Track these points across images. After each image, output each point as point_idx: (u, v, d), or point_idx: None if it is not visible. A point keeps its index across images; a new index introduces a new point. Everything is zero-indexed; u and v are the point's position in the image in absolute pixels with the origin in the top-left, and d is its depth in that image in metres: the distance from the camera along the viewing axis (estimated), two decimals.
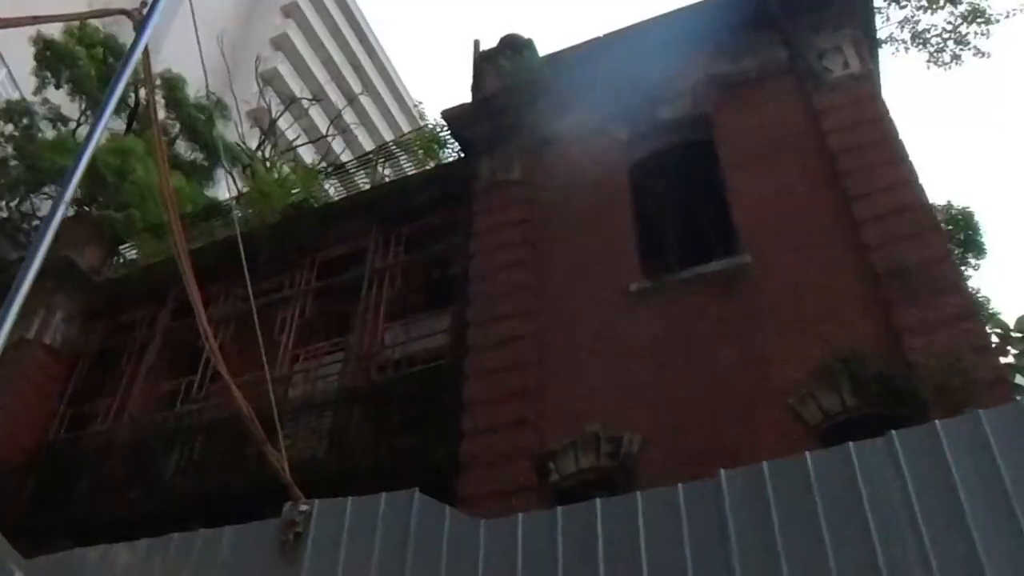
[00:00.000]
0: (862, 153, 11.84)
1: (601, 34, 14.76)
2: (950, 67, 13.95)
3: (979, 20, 13.59)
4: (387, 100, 39.65)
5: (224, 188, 26.74)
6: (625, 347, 11.58)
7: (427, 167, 16.28)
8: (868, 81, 12.54)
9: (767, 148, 12.56)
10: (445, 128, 15.85)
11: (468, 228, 14.75)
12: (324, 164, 24.42)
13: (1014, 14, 13.48)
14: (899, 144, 11.83)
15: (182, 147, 24.10)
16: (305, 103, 28.57)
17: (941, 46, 13.84)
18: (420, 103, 16.08)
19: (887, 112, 12.18)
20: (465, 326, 13.34)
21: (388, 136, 38.52)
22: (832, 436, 10.34)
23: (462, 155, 15.69)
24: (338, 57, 39.46)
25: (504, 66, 14.48)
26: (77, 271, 17.17)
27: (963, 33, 13.70)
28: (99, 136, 7.25)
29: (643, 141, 13.68)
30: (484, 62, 15.35)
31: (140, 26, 7.82)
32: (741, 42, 13.51)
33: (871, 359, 10.38)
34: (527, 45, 15.11)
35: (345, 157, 30.70)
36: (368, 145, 35.46)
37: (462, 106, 15.00)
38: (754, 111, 13.01)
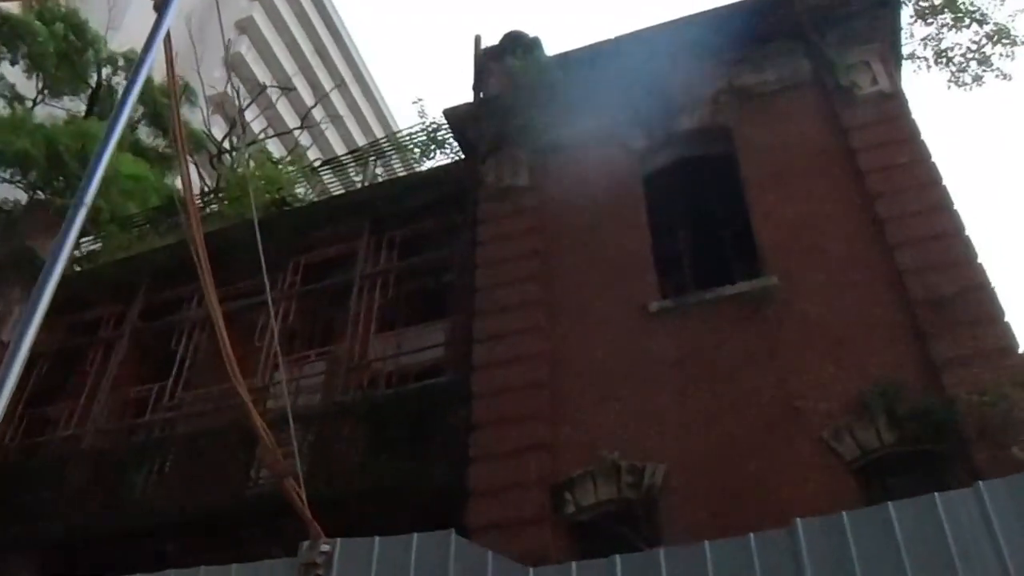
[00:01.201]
0: (894, 174, 11.46)
1: (612, 36, 14.19)
2: (971, 88, 13.68)
3: (1005, 41, 13.32)
4: (356, 96, 38.63)
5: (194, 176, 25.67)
6: (644, 370, 11.03)
7: (421, 167, 15.51)
8: (898, 99, 12.17)
9: (792, 164, 12.12)
10: (442, 128, 15.19)
11: (467, 234, 14.10)
12: (311, 160, 23.46)
13: None
14: (933, 166, 11.46)
15: (144, 133, 22.96)
16: (274, 94, 27.49)
17: (964, 66, 13.53)
18: (420, 100, 15.13)
19: (919, 133, 11.80)
20: (467, 340, 12.72)
21: (357, 133, 37.63)
22: (870, 473, 10.01)
23: (460, 157, 15.05)
24: (306, 46, 38.19)
25: (513, 64, 13.83)
26: (38, 263, 16.02)
27: (987, 54, 13.41)
28: (119, 133, 6.47)
29: (659, 151, 13.17)
30: (488, 60, 14.70)
31: (160, 9, 7.03)
32: (763, 52, 13.07)
33: (908, 392, 9.97)
34: (534, 44, 14.50)
35: (312, 153, 29.73)
36: (336, 141, 34.47)
37: (465, 105, 14.32)
38: (777, 125, 12.56)
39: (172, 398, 14.04)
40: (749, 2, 13.85)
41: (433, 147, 15.21)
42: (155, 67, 22.95)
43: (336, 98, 34.09)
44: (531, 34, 14.80)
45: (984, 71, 13.54)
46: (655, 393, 10.81)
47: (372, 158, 15.76)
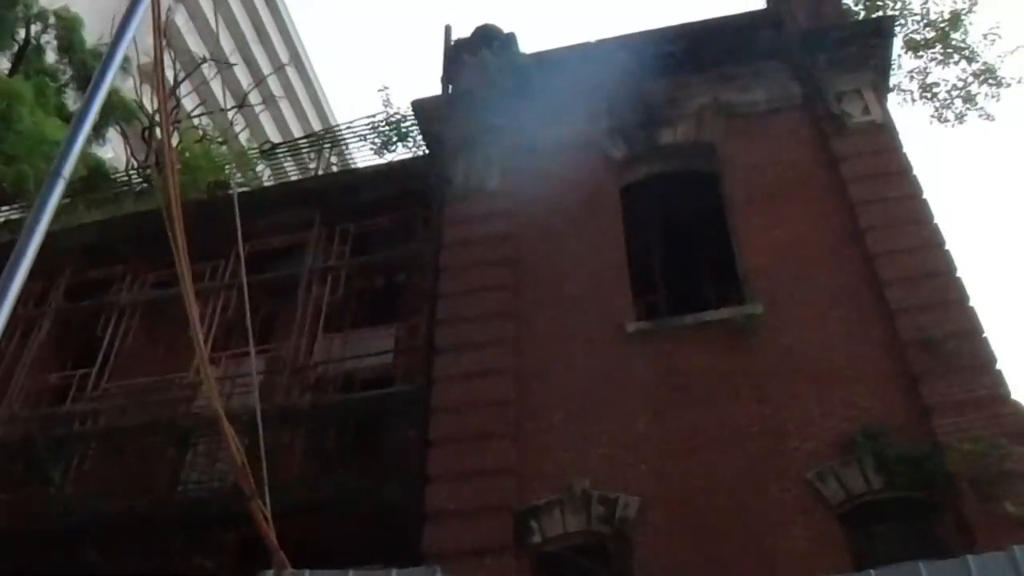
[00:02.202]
0: (885, 208, 11.01)
1: (594, 39, 13.49)
2: (953, 125, 13.45)
3: (991, 81, 13.08)
4: (293, 79, 37.09)
5: (115, 150, 24.09)
6: (619, 393, 10.31)
7: (382, 160, 14.51)
8: (890, 131, 11.74)
9: (778, 189, 11.57)
10: (406, 119, 14.27)
11: (426, 234, 13.23)
12: (243, 142, 22.15)
13: None
14: (924, 203, 11.05)
15: (71, 97, 21.38)
16: (210, 70, 25.93)
17: (949, 102, 13.27)
18: (386, 88, 14.16)
19: (911, 167, 11.39)
20: (420, 348, 11.87)
21: (291, 118, 36.15)
22: (855, 518, 9.49)
23: (422, 151, 14.18)
24: (244, 23, 36.45)
25: (488, 60, 13.01)
26: None
27: (972, 92, 13.17)
28: (101, 100, 5.50)
29: (638, 163, 12.51)
30: (459, 53, 13.84)
31: None
32: (752, 71, 12.53)
33: (897, 435, 9.50)
34: (509, 39, 13.70)
35: (244, 136, 28.30)
36: (268, 124, 32.97)
37: (434, 98, 13.38)
38: (763, 146, 12.01)
39: (96, 388, 12.77)
40: (738, 18, 13.34)
41: (396, 139, 14.28)
42: (89, 28, 21.47)
43: (271, 80, 32.63)
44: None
45: (968, 109, 13.27)
46: (630, 419, 10.10)
47: (327, 145, 14.71)
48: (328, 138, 14.85)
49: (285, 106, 35.70)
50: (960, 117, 13.38)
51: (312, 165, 15.12)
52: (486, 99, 12.89)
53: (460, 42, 13.94)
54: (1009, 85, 13.13)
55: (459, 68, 13.69)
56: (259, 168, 15.93)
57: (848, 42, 12.31)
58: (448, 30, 14.24)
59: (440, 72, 13.92)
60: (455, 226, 12.03)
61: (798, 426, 9.78)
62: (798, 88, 12.31)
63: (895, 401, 9.80)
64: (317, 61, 41.43)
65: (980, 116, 13.34)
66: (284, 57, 34.26)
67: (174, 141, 22.42)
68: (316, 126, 36.01)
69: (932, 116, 13.42)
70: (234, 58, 29.39)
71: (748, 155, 11.97)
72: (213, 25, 29.57)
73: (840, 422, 9.71)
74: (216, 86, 27.71)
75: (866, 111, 11.87)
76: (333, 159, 15.08)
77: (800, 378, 10.07)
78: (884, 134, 11.70)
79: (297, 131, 33.69)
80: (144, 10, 5.93)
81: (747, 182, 11.75)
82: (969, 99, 13.23)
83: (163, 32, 6.08)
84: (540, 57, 13.25)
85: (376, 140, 14.38)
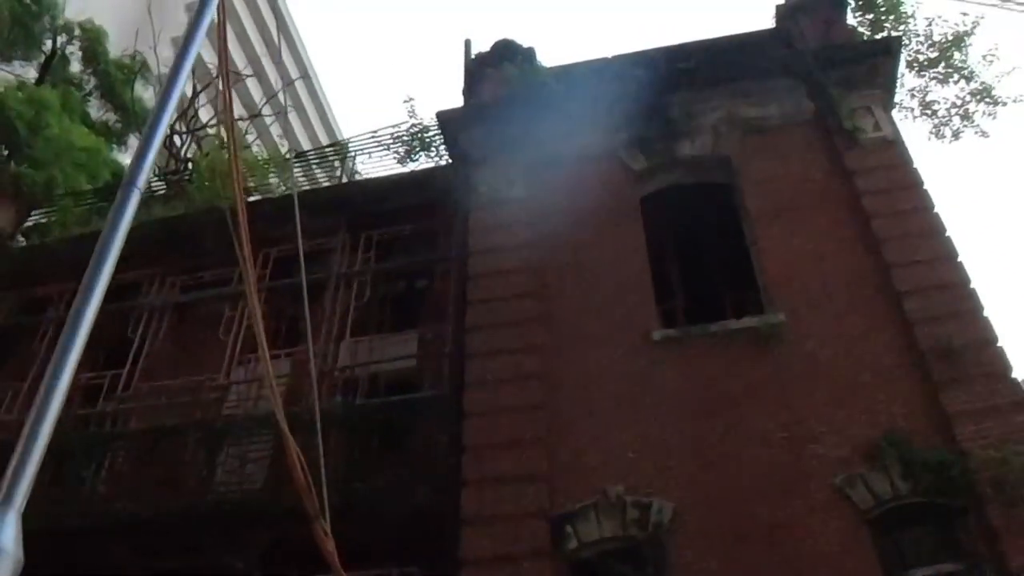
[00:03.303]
0: (899, 221, 10.45)
1: (611, 55, 12.85)
2: (950, 141, 12.91)
3: (987, 100, 12.56)
4: (302, 94, 36.16)
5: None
6: (647, 399, 9.68)
7: (405, 169, 13.76)
8: (900, 147, 11.18)
9: (794, 201, 10.98)
10: (429, 129, 13.56)
11: (448, 241, 12.55)
12: (255, 153, 21.26)
13: (1022, 99, 12.53)
14: (937, 216, 10.49)
15: (95, 106, 20.49)
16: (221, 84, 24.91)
17: (947, 119, 12.73)
18: (411, 99, 13.44)
19: (922, 181, 10.85)
20: (443, 352, 11.22)
21: (300, 131, 35.19)
22: (884, 523, 8.88)
23: (442, 161, 13.48)
24: (255, 39, 35.55)
25: (511, 73, 12.32)
26: None
27: (970, 111, 12.64)
28: (171, 109, 4.78)
29: (656, 174, 11.86)
30: (480, 66, 13.14)
31: None
32: (765, 87, 11.92)
33: (920, 441, 8.95)
34: (529, 53, 13.03)
35: (255, 147, 27.39)
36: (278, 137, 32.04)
37: (458, 109, 12.68)
38: (778, 159, 11.42)
39: (127, 388, 11.97)
40: (749, 36, 12.76)
41: (419, 149, 13.56)
42: (114, 40, 20.59)
43: (281, 94, 31.70)
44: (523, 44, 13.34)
45: (965, 126, 12.74)
46: (660, 425, 9.47)
47: (351, 154, 13.97)
48: (351, 148, 14.06)
49: (293, 118, 34.78)
50: (957, 134, 12.83)
51: (318, 174, 14.37)
52: (509, 111, 12.20)
53: (481, 56, 13.25)
54: (1005, 104, 12.63)
55: (480, 81, 13.00)
56: (284, 176, 15.15)
57: (858, 61, 11.75)
58: (468, 45, 13.55)
59: (445, 84, 13.41)
60: (481, 234, 11.35)
61: (824, 433, 9.20)
62: (810, 104, 11.73)
63: (916, 409, 9.24)
64: (323, 76, 40.34)
65: (976, 133, 12.81)
66: (294, 72, 33.33)
67: (195, 148, 21.64)
68: (323, 138, 35.16)
69: (931, 132, 12.87)
70: (246, 72, 28.43)
71: (764, 168, 11.37)
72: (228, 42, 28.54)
73: (864, 429, 9.14)
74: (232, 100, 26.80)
75: (877, 127, 11.31)
76: (358, 169, 14.32)
77: (823, 386, 9.49)
78: (895, 149, 11.15)
79: (305, 143, 32.83)
80: (209, 17, 5.18)
81: (764, 194, 11.16)
82: (966, 116, 12.69)
83: (224, 42, 5.34)
84: (560, 71, 12.56)
85: (399, 150, 13.62)
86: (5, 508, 3.13)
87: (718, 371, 9.79)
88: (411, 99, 13.72)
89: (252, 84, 30.47)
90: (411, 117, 13.60)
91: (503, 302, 10.61)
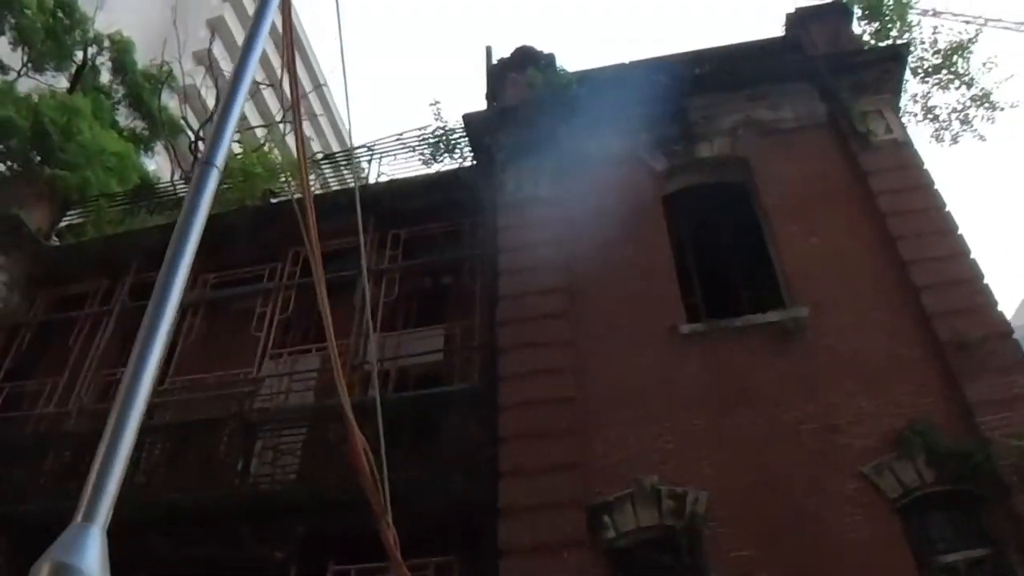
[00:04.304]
0: (913, 219, 10.02)
1: (628, 60, 12.38)
2: (949, 145, 12.50)
3: (986, 105, 12.15)
4: (314, 103, 35.39)
5: (157, 163, 22.53)
6: (677, 392, 9.19)
7: (430, 170, 13.18)
8: (911, 149, 10.76)
9: (812, 200, 10.54)
10: (455, 131, 13.01)
11: (473, 239, 12.03)
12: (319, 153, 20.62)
13: (1018, 105, 12.14)
14: (948, 215, 10.07)
15: (123, 114, 19.84)
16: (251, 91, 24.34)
17: (948, 124, 12.31)
18: (438, 102, 12.91)
19: (933, 182, 10.42)
20: (471, 347, 10.71)
21: (314, 140, 34.49)
22: (911, 511, 8.41)
23: (465, 162, 12.95)
24: (271, 52, 34.84)
25: (535, 77, 11.81)
26: (25, 233, 13.00)
27: (970, 116, 12.22)
28: (243, 97, 4.21)
29: (676, 174, 11.39)
30: (503, 71, 12.63)
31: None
32: (780, 91, 11.47)
33: (943, 431, 8.51)
34: (549, 59, 12.53)
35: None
36: (291, 143, 31.34)
37: (483, 112, 12.17)
38: (795, 161, 10.97)
39: (163, 383, 11.37)
40: (765, 43, 12.33)
41: (444, 151, 13.01)
42: (140, 51, 19.94)
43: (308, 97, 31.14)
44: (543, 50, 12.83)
45: (964, 130, 12.32)
46: (690, 416, 8.99)
47: (377, 156, 13.41)
48: (377, 149, 13.49)
49: (306, 126, 34.08)
50: (956, 138, 12.40)
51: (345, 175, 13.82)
52: (533, 113, 11.69)
53: (503, 61, 12.73)
54: (1003, 109, 12.23)
55: (503, 85, 12.49)
56: (313, 177, 14.57)
57: (868, 66, 11.35)
58: (489, 51, 13.04)
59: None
60: (510, 232, 10.84)
61: (849, 423, 8.74)
62: (823, 107, 11.30)
63: (938, 399, 8.81)
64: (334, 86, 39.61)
65: (974, 137, 12.39)
66: (306, 82, 32.68)
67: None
68: (334, 145, 34.51)
69: (932, 136, 12.45)
70: (262, 83, 27.80)
71: (781, 168, 10.93)
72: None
73: (889, 419, 8.69)
74: (250, 109, 26.24)
75: (888, 130, 10.89)
76: (385, 169, 13.77)
77: (847, 377, 9.03)
78: (906, 151, 10.73)
79: (317, 148, 32.16)
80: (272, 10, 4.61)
81: (782, 193, 10.71)
82: (966, 121, 12.26)
83: (291, 48, 4.77)
84: (581, 76, 12.06)
85: (424, 151, 13.07)
86: (87, 525, 2.57)
87: (744, 364, 9.32)
88: (437, 102, 13.16)
89: (268, 93, 29.77)
90: (436, 120, 13.07)
91: (533, 297, 10.11)
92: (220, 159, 3.96)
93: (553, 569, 8.08)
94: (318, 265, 5.16)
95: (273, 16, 4.81)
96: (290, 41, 5.55)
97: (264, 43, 4.85)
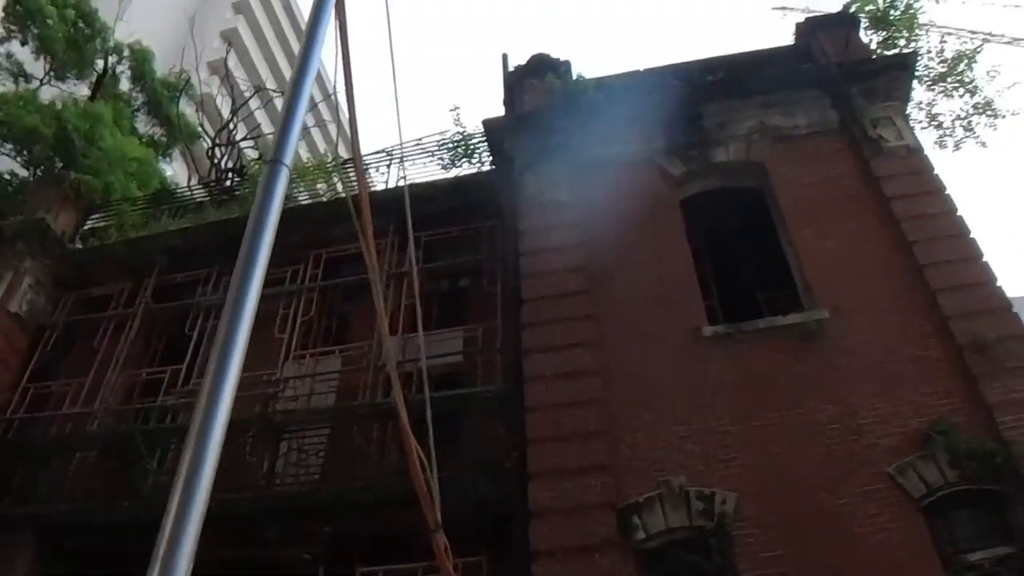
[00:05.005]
0: (927, 223, 9.68)
1: (643, 68, 11.99)
2: (951, 151, 12.20)
3: (988, 113, 11.84)
4: (323, 111, 34.82)
5: (177, 167, 22.04)
6: (701, 393, 8.82)
7: (446, 174, 12.75)
8: (922, 154, 10.42)
9: (826, 205, 10.18)
10: (474, 136, 12.61)
11: (491, 242, 11.62)
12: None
13: (1018, 112, 11.87)
14: (960, 219, 9.73)
15: (141, 121, 19.33)
16: (255, 101, 23.85)
17: (951, 131, 11.99)
18: (457, 108, 12.52)
19: (945, 187, 10.08)
20: (493, 348, 10.31)
21: (323, 146, 33.96)
22: (935, 510, 8.08)
23: (483, 167, 12.55)
24: (283, 62, 34.54)
25: (553, 83, 11.43)
26: (51, 236, 12.52)
27: (973, 123, 11.91)
28: (303, 114, 3.83)
29: (693, 179, 11.00)
30: (520, 78, 12.23)
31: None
32: (793, 98, 11.10)
33: (964, 431, 8.17)
34: (566, 66, 12.15)
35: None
36: (303, 151, 30.91)
37: (503, 118, 11.78)
38: (809, 166, 10.61)
39: (187, 383, 10.91)
40: (775, 52, 11.98)
41: (463, 155, 12.60)
42: (159, 60, 19.43)
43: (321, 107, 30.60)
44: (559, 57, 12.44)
45: (967, 137, 12.01)
46: (715, 418, 8.62)
47: (398, 160, 12.98)
48: (397, 154, 13.04)
49: (316, 134, 33.57)
50: (958, 144, 12.09)
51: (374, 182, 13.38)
52: (552, 119, 11.29)
53: (520, 68, 12.34)
54: (1004, 117, 11.94)
55: (520, 91, 12.08)
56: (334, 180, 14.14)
57: (878, 74, 10.99)
58: (505, 58, 12.66)
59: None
60: (532, 235, 10.43)
61: (872, 423, 8.40)
62: (835, 114, 10.95)
63: (957, 400, 8.47)
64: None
65: (976, 143, 12.09)
66: (317, 93, 32.14)
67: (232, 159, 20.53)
68: (343, 152, 33.94)
69: (935, 143, 12.11)
70: (274, 93, 27.32)
71: (796, 174, 10.57)
72: (257, 65, 27.64)
73: (910, 420, 8.36)
74: (262, 118, 25.75)
75: (899, 136, 10.54)
76: (403, 174, 13.27)
77: (868, 379, 8.69)
78: (918, 156, 10.39)
79: (327, 155, 31.65)
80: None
81: (797, 198, 10.35)
82: (969, 128, 11.94)
83: (346, 37, 4.37)
84: (598, 82, 11.67)
85: (443, 156, 12.65)
86: None
87: (767, 365, 8.96)
88: (456, 108, 12.76)
89: (280, 103, 29.32)
90: (456, 125, 12.63)
91: (556, 300, 9.71)
92: (288, 157, 3.58)
93: (585, 571, 7.70)
94: (372, 258, 4.77)
95: (329, 21, 4.41)
96: (346, 51, 5.12)
97: (314, 49, 4.41)
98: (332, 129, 31.66)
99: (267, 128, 26.49)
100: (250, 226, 3.11)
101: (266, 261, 3.10)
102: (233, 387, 2.66)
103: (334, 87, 3.99)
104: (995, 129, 11.85)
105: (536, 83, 11.75)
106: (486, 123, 11.59)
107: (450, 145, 12.33)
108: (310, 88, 3.81)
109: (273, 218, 3.17)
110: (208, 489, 2.43)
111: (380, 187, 13.65)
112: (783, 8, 23.45)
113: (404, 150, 12.62)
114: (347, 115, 4.53)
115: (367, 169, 13.27)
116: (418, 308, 6.78)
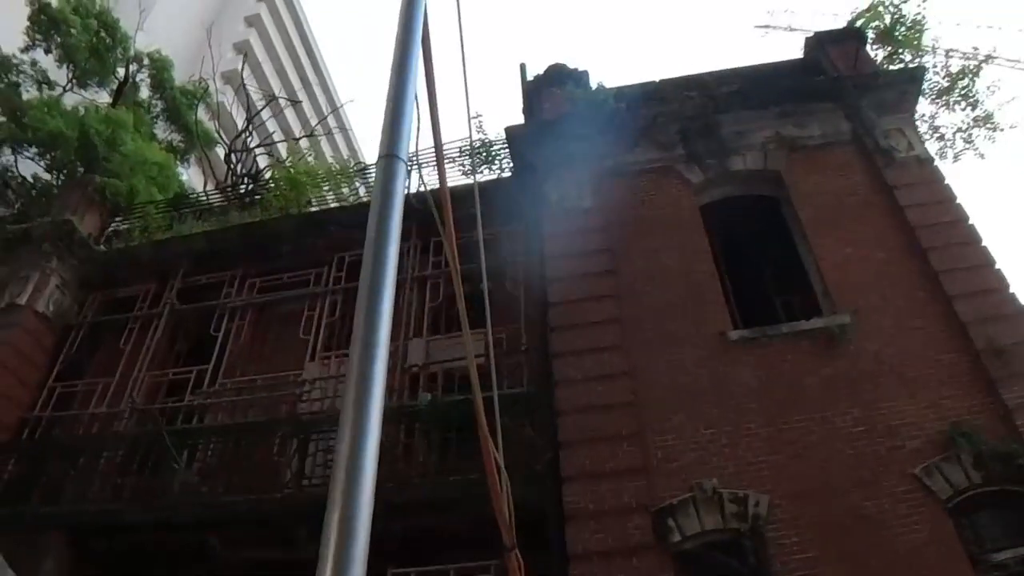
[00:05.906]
0: (942, 231, 9.34)
1: (659, 78, 11.57)
2: (951, 162, 11.87)
3: (988, 126, 11.52)
4: (331, 122, 34.10)
5: (193, 173, 21.36)
6: (730, 396, 8.40)
7: (467, 180, 12.22)
8: (933, 165, 10.09)
9: (843, 212, 9.82)
10: (495, 143, 12.11)
11: (510, 246, 11.11)
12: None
13: (1017, 125, 11.57)
14: (973, 227, 9.40)
15: (160, 128, 18.66)
16: (264, 113, 23.20)
17: (952, 142, 11.67)
18: (479, 115, 12.02)
19: (956, 196, 9.74)
20: (541, 353, 9.79)
21: (329, 155, 33.33)
22: (961, 511, 7.70)
23: (503, 173, 12.07)
24: (292, 74, 33.69)
25: (574, 92, 10.97)
26: (77, 237, 11.89)
27: (973, 135, 11.58)
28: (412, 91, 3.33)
29: (711, 186, 10.60)
30: (539, 87, 11.76)
31: None
32: (806, 109, 10.73)
33: (985, 433, 7.81)
34: (583, 75, 11.69)
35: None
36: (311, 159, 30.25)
37: (524, 125, 11.31)
38: (824, 175, 10.24)
39: (212, 384, 10.32)
40: (786, 65, 11.60)
41: (483, 162, 12.11)
42: (178, 68, 18.74)
43: (314, 119, 29.92)
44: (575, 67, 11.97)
45: (966, 149, 11.68)
46: (744, 420, 8.20)
47: (420, 166, 12.42)
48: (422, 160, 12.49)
49: (325, 145, 32.90)
50: (957, 156, 11.78)
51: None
52: (572, 126, 10.84)
53: (539, 77, 11.87)
54: (1003, 130, 11.63)
55: (539, 100, 11.62)
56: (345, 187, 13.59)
57: (888, 87, 10.66)
58: (523, 68, 12.16)
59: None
60: (556, 239, 9.96)
61: (898, 426, 8.04)
62: (847, 125, 10.59)
63: (978, 403, 8.14)
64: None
65: (975, 155, 11.77)
66: (322, 101, 31.60)
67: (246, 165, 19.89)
68: (350, 160, 33.37)
69: (936, 154, 11.74)
70: (284, 103, 26.69)
71: (811, 183, 10.20)
72: (268, 77, 26.99)
73: (934, 422, 8.01)
74: (272, 126, 25.11)
75: (910, 147, 10.21)
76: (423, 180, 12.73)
77: (891, 382, 8.33)
78: (929, 167, 10.05)
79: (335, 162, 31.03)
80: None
81: (814, 206, 9.98)
82: (969, 140, 11.61)
83: (429, 56, 3.85)
84: (617, 91, 11.24)
85: (464, 162, 12.13)
86: None
87: (792, 369, 8.56)
88: (479, 115, 12.27)
89: (289, 113, 28.68)
90: (479, 132, 12.13)
91: (584, 303, 9.26)
92: (404, 150, 3.12)
93: (623, 573, 7.23)
94: (454, 258, 4.25)
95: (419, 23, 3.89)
96: (429, 56, 4.60)
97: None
98: (339, 139, 31.19)
99: (276, 137, 25.86)
100: (373, 222, 2.64)
101: (396, 257, 2.64)
102: (380, 405, 2.15)
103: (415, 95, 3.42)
104: (994, 142, 11.50)
105: (556, 92, 11.29)
106: (508, 130, 11.11)
107: (470, 151, 11.75)
108: (415, 82, 3.32)
109: (397, 212, 2.71)
110: (373, 476, 1.94)
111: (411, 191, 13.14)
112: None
113: (428, 155, 12.06)
114: (428, 113, 4.03)
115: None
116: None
